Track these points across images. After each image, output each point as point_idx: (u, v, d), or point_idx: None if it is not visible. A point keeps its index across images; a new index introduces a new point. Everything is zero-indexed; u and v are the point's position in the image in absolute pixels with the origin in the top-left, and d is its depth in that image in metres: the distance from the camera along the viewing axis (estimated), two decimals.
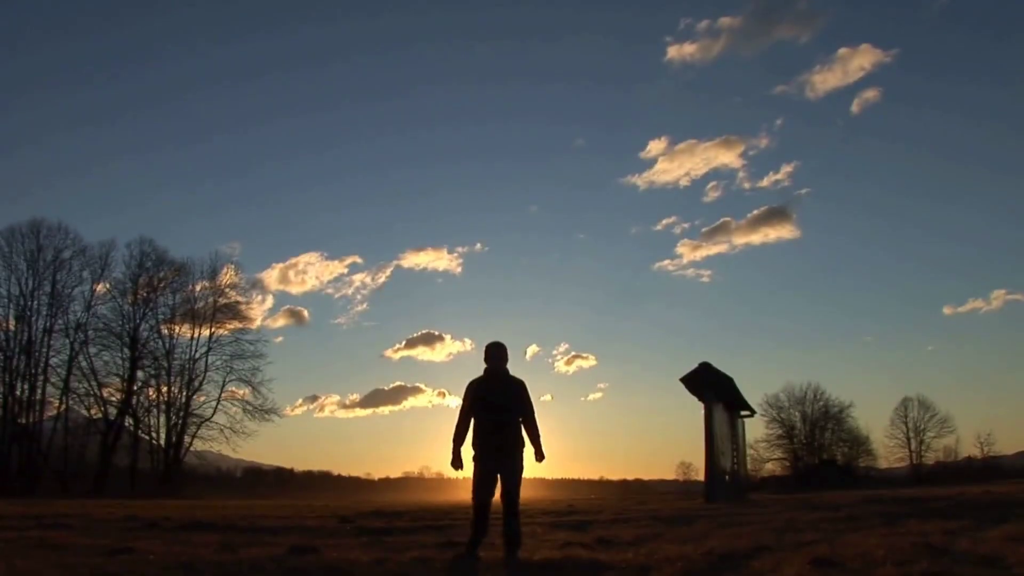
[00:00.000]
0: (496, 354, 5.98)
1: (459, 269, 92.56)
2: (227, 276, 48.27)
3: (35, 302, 42.52)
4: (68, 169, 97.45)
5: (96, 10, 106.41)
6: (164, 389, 45.99)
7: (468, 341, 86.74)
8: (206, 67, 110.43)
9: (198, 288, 47.25)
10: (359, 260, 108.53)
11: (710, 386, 21.80)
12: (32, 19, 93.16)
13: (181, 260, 47.42)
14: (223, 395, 47.01)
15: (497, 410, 5.75)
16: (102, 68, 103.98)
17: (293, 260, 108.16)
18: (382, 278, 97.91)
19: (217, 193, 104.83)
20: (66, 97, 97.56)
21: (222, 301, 47.42)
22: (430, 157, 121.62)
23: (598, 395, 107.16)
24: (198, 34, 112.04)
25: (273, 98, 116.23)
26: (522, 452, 5.77)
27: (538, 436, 5.81)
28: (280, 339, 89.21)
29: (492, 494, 5.63)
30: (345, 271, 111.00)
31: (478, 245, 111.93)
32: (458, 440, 5.78)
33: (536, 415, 5.85)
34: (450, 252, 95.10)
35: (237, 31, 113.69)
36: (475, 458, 5.75)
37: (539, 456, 5.82)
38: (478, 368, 5.98)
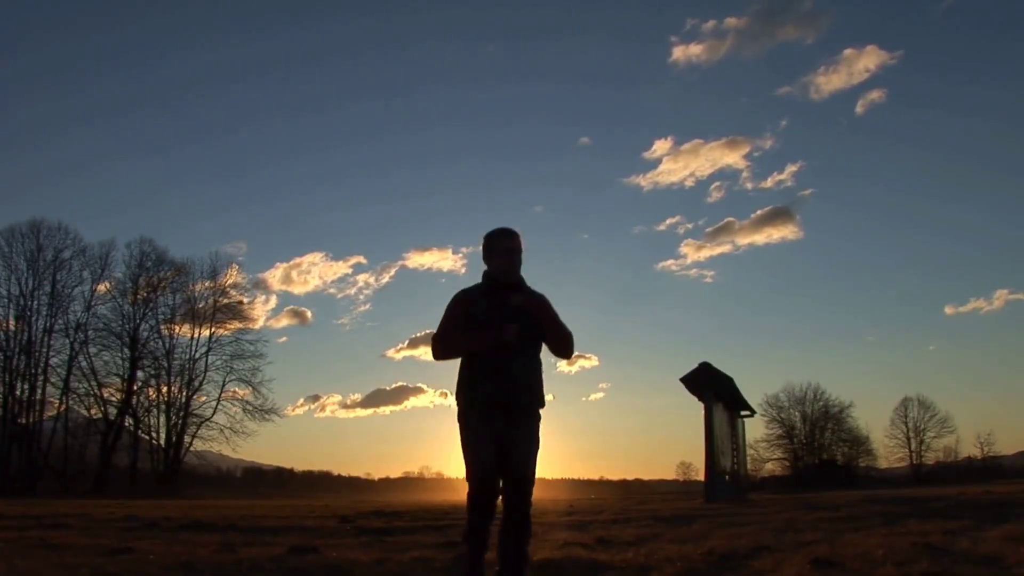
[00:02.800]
0: (510, 247, 3.66)
1: (463, 270, 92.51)
2: (230, 276, 48.36)
3: (35, 302, 42.59)
4: (68, 169, 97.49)
5: (97, 8, 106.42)
6: (164, 389, 46.09)
7: None
8: (207, 66, 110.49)
9: (198, 288, 47.36)
10: (363, 260, 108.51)
11: (710, 386, 21.80)
12: (32, 18, 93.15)
13: (181, 260, 47.57)
14: (223, 395, 47.11)
15: (511, 339, 3.50)
16: (103, 66, 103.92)
17: (297, 260, 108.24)
18: (386, 278, 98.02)
19: (220, 193, 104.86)
20: (66, 96, 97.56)
21: (223, 301, 47.54)
22: (434, 157, 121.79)
23: (599, 395, 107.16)
24: (200, 33, 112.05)
25: (276, 97, 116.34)
26: (539, 414, 3.70)
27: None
28: (284, 339, 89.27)
29: (500, 471, 3.55)
30: (349, 271, 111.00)
31: (482, 245, 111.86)
32: (452, 342, 3.64)
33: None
34: (455, 252, 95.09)
35: (240, 29, 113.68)
36: (464, 415, 3.60)
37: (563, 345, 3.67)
38: None
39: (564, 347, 3.66)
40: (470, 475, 3.59)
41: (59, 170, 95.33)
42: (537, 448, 3.68)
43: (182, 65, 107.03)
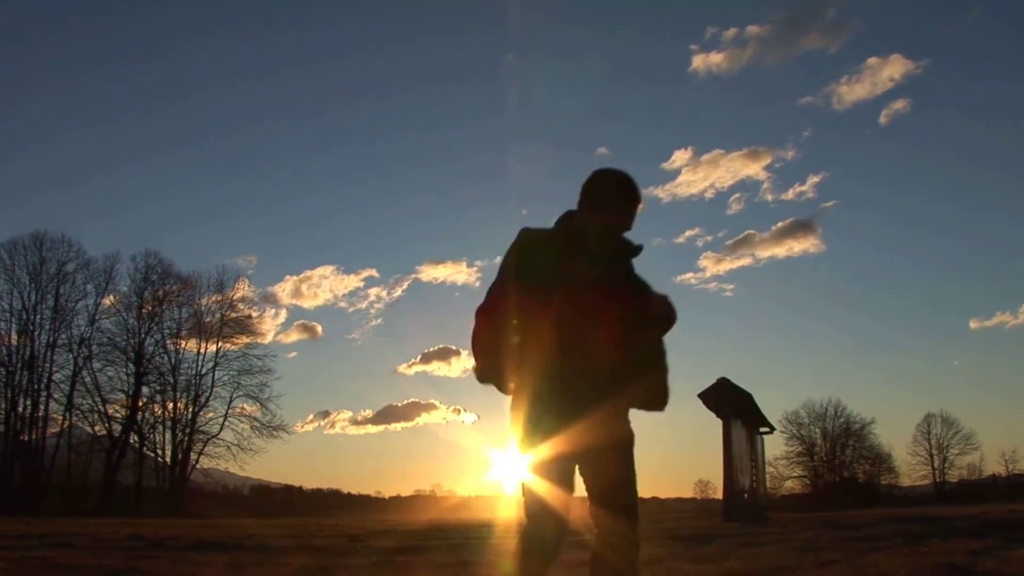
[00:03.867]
0: (622, 225, 2.55)
1: (478, 283, 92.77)
2: (238, 289, 48.21)
3: (38, 316, 42.29)
4: (71, 180, 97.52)
5: (98, 7, 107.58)
6: (170, 405, 45.79)
7: None
8: (214, 69, 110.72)
9: (205, 302, 47.31)
10: (375, 273, 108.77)
11: (728, 402, 21.59)
12: (32, 16, 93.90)
13: (187, 273, 47.38)
14: (230, 411, 46.86)
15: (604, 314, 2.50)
16: (103, 66, 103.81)
17: (307, 273, 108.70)
18: (398, 292, 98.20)
19: (227, 205, 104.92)
20: (67, 100, 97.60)
21: (231, 315, 47.38)
22: (450, 168, 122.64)
23: None
24: (206, 31, 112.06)
25: (279, 97, 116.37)
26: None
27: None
28: (293, 354, 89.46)
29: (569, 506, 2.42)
30: (361, 284, 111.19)
31: (498, 258, 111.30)
32: (491, 346, 2.58)
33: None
34: (469, 265, 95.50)
35: (246, 27, 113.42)
36: (520, 413, 2.48)
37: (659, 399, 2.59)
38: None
39: (663, 399, 2.63)
40: (531, 508, 2.45)
41: (62, 181, 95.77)
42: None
43: (187, 68, 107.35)
